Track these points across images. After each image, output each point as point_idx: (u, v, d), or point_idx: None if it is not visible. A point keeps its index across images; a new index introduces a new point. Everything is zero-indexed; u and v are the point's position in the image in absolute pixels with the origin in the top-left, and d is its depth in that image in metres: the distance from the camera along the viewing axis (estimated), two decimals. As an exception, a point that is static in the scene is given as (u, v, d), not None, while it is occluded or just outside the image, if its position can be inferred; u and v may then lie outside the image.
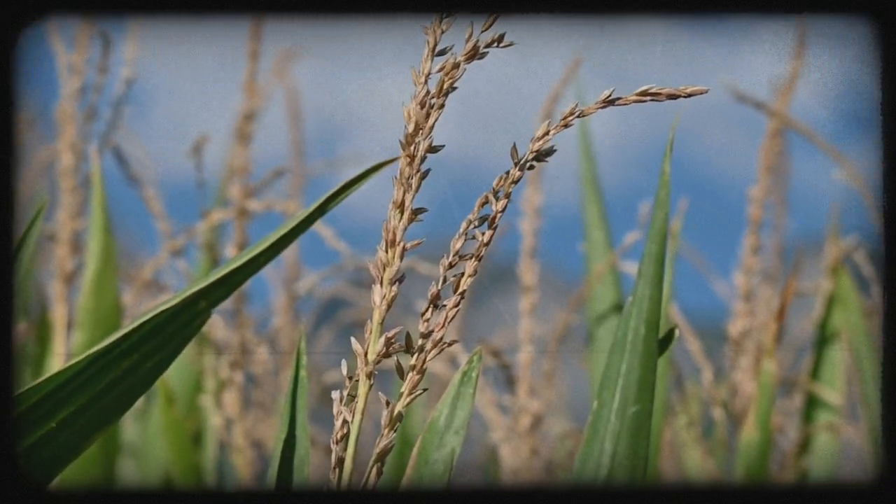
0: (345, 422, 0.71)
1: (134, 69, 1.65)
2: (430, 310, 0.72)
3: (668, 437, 1.96)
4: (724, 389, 1.73)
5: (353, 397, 0.71)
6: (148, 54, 1.66)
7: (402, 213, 0.71)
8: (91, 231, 1.51)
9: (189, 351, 1.61)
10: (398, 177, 0.71)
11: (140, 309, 1.70)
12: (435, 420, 0.77)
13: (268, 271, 2.03)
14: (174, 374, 1.78)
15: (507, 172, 0.72)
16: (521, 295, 1.64)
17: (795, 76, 1.73)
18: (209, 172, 1.72)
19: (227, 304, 1.59)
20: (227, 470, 1.76)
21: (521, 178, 0.72)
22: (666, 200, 0.83)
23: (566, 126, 0.72)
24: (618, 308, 1.64)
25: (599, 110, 0.72)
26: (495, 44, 0.71)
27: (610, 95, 0.72)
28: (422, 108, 0.71)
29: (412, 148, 0.71)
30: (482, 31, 0.71)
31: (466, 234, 0.72)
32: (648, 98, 0.71)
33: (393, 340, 0.71)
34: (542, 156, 0.72)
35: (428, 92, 0.71)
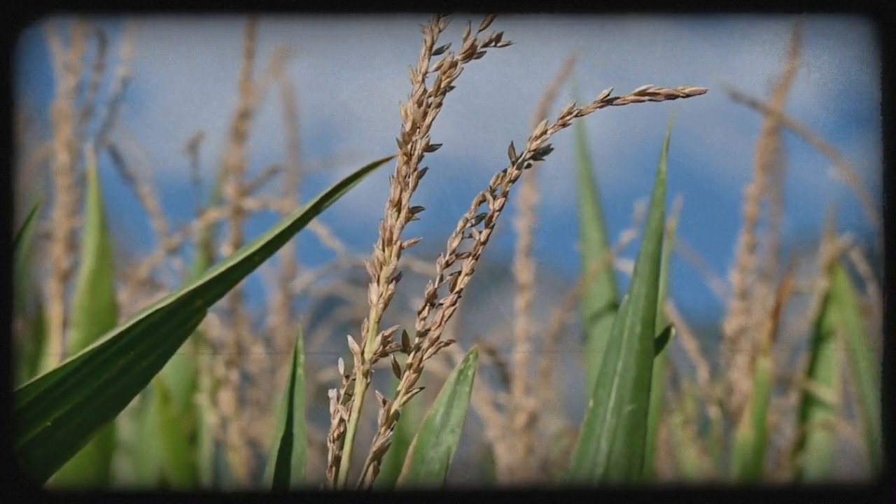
0: (341, 420, 0.71)
1: (130, 68, 1.64)
2: (427, 308, 0.72)
3: (664, 436, 1.96)
4: (720, 388, 1.73)
5: (349, 396, 0.71)
6: (144, 53, 1.66)
7: (398, 211, 0.71)
8: (87, 229, 1.50)
9: (185, 349, 1.61)
10: (395, 175, 0.71)
11: (136, 307, 1.69)
12: (431, 418, 0.77)
13: (264, 269, 2.03)
14: (170, 373, 1.78)
15: (505, 171, 0.72)
16: (517, 293, 1.64)
17: (791, 75, 1.73)
18: (205, 170, 1.72)
19: (222, 302, 1.59)
20: (223, 468, 1.76)
21: (518, 176, 0.72)
22: (662, 199, 0.83)
23: (564, 125, 0.72)
24: (614, 306, 1.64)
25: (597, 109, 0.72)
26: (493, 43, 0.71)
27: (608, 95, 0.72)
28: (419, 106, 0.71)
29: (409, 146, 0.71)
30: (480, 31, 0.71)
31: (463, 232, 0.72)
32: (647, 98, 0.71)
33: (390, 339, 0.71)
34: (539, 154, 0.72)
35: (425, 91, 0.71)
